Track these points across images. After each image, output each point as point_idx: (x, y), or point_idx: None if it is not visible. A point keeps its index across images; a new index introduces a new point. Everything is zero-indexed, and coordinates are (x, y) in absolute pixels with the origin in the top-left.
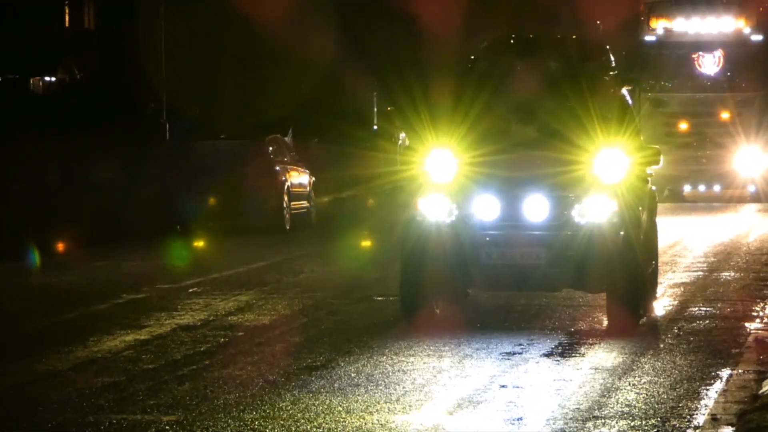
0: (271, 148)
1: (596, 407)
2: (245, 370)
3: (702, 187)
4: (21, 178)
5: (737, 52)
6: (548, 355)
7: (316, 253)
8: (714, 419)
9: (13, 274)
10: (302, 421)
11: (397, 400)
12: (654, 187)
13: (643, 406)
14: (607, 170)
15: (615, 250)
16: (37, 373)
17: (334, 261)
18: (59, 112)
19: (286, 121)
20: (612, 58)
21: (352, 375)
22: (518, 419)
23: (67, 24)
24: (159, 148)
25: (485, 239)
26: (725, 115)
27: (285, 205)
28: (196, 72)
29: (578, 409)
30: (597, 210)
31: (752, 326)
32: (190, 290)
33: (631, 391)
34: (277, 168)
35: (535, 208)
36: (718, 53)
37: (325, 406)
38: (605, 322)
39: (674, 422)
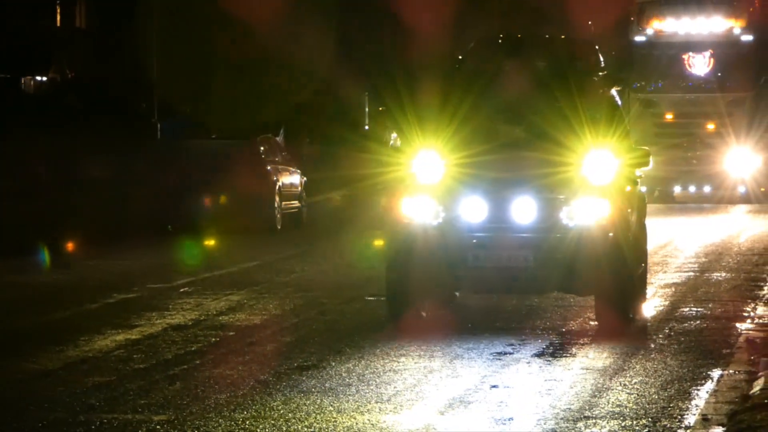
0: (262, 148)
1: (587, 407)
2: (236, 369)
3: (692, 188)
4: (12, 177)
5: (728, 52)
6: (539, 355)
7: (308, 253)
8: (705, 419)
9: (6, 272)
10: (293, 420)
11: (389, 399)
12: (644, 188)
13: (633, 407)
14: (595, 171)
15: (604, 253)
16: (28, 373)
17: (325, 261)
18: (51, 111)
19: (278, 121)
20: (601, 58)
21: (343, 375)
22: (509, 419)
23: (58, 23)
24: (151, 148)
25: (472, 241)
26: (716, 116)
27: (276, 204)
28: (188, 71)
29: (569, 409)
30: (586, 212)
31: (743, 326)
32: (182, 290)
33: (622, 391)
34: (269, 168)
35: (523, 210)
36: (709, 54)
37: (316, 406)
38: (596, 323)
39: (665, 422)
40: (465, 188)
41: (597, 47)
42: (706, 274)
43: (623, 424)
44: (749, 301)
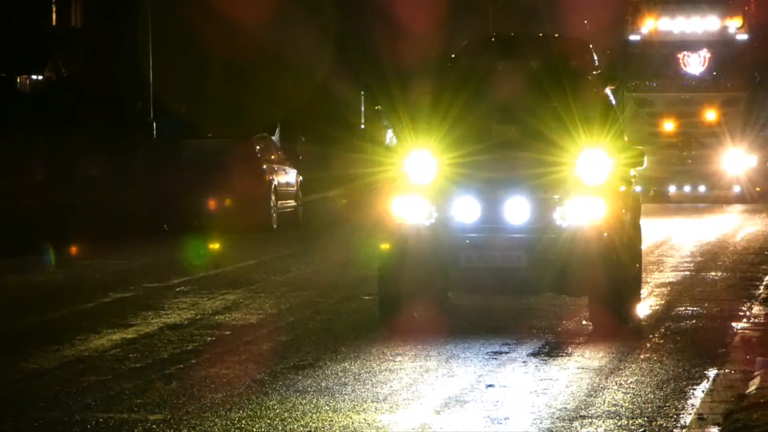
0: (258, 147)
1: (583, 407)
2: (232, 369)
3: (687, 188)
4: (8, 176)
5: (723, 51)
6: (535, 354)
7: (304, 252)
8: (701, 419)
9: (3, 271)
10: (289, 420)
11: (384, 399)
12: (639, 188)
13: (629, 406)
14: (589, 171)
15: (597, 253)
16: (24, 372)
17: (321, 260)
18: (47, 110)
19: (273, 120)
20: (595, 57)
21: (339, 374)
22: (505, 418)
23: (54, 22)
24: (146, 147)
25: (465, 242)
26: (711, 115)
27: (272, 204)
28: (183, 71)
29: (565, 408)
30: (579, 212)
31: (739, 326)
32: (178, 289)
33: (618, 390)
34: (265, 167)
35: (516, 210)
36: (704, 53)
37: (312, 405)
38: (591, 323)
39: (661, 422)
40: (458, 188)
41: (591, 46)
42: (702, 274)
43: (619, 424)
44: (745, 300)
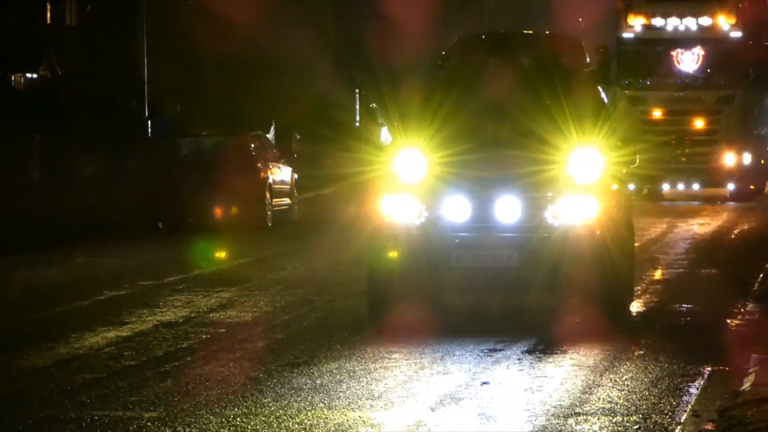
0: (253, 145)
1: (578, 404)
2: (227, 366)
3: (681, 186)
4: (3, 175)
5: (716, 49)
6: (529, 352)
7: (299, 250)
8: (696, 416)
9: None
10: (284, 417)
11: (379, 396)
12: (633, 186)
13: (624, 403)
14: (581, 170)
15: (590, 252)
16: (19, 370)
17: (316, 258)
18: (42, 108)
19: (268, 118)
20: (587, 55)
21: (334, 372)
22: (500, 416)
23: (48, 20)
24: (140, 145)
25: (455, 241)
26: (704, 113)
27: (267, 201)
28: (178, 69)
29: (560, 405)
30: (571, 211)
31: (733, 323)
32: (172, 287)
33: (613, 387)
34: (259, 165)
35: (508, 209)
36: (698, 50)
37: (307, 403)
38: (585, 322)
39: (656, 419)
40: (448, 187)
41: (582, 43)
42: (696, 271)
43: (614, 421)
44: (739, 297)
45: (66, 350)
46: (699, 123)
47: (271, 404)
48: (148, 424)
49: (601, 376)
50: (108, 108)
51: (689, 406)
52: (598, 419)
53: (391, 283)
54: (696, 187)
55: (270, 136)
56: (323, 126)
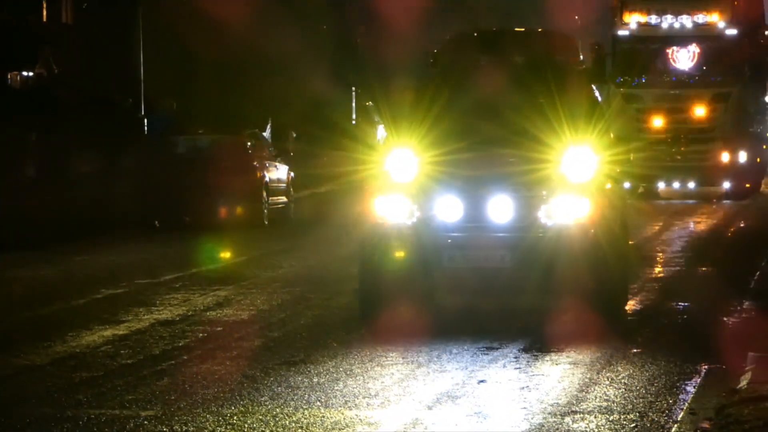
0: (249, 143)
1: (575, 402)
2: (224, 365)
3: (677, 184)
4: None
5: (712, 46)
6: (526, 350)
7: (295, 248)
8: (692, 413)
9: None
10: (281, 416)
11: (376, 394)
12: (628, 185)
13: (621, 401)
14: (575, 169)
15: (583, 252)
16: (15, 368)
17: (312, 256)
18: (38, 106)
19: (264, 116)
20: (580, 52)
21: (331, 370)
22: (497, 414)
23: (44, 18)
24: (137, 143)
25: (447, 241)
26: (700, 111)
27: (263, 200)
28: (174, 67)
29: (557, 403)
30: (565, 210)
31: (730, 320)
32: (169, 285)
33: (610, 385)
34: (255, 163)
35: (500, 209)
36: (693, 48)
37: (304, 401)
38: (583, 319)
39: (653, 417)
40: (440, 187)
41: (576, 40)
42: (693, 269)
43: (611, 419)
44: (736, 295)
45: (63, 348)
46: (694, 121)
47: (267, 402)
48: (145, 422)
49: (598, 374)
50: (104, 106)
51: (686, 404)
52: (595, 417)
53: (382, 284)
54: (691, 185)
55: (266, 134)
56: (319, 126)
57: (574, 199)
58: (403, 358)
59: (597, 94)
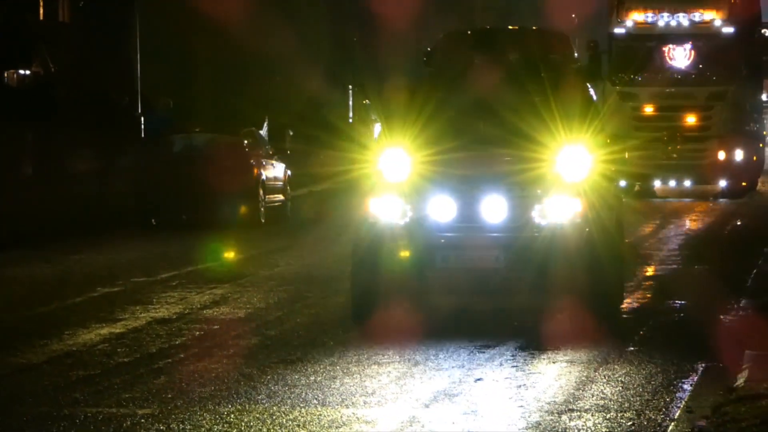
0: (246, 141)
1: (571, 400)
2: (221, 363)
3: (673, 183)
4: None
5: (708, 44)
6: (523, 349)
7: (292, 246)
8: (689, 412)
9: None
10: (278, 414)
11: (373, 393)
12: (624, 183)
13: (618, 399)
14: (569, 168)
15: (578, 252)
16: (12, 366)
17: (309, 254)
18: (34, 104)
19: (261, 115)
20: (575, 51)
21: (328, 368)
22: (494, 412)
23: (41, 16)
24: (134, 141)
25: (440, 241)
26: (696, 109)
27: (260, 198)
28: (171, 66)
29: (554, 402)
30: (559, 210)
31: (727, 319)
32: (166, 283)
33: (607, 384)
34: (252, 161)
35: (494, 209)
36: (689, 46)
37: (301, 399)
38: (580, 319)
39: (650, 415)
40: (433, 186)
41: (569, 38)
42: (689, 268)
43: (608, 417)
44: (732, 293)
45: (59, 347)
46: (691, 119)
47: (264, 401)
48: (142, 420)
49: (595, 372)
50: (101, 104)
51: (683, 403)
52: (592, 416)
53: (375, 285)
54: (688, 183)
55: (263, 132)
56: (316, 126)
57: (569, 198)
58: (399, 356)
59: (592, 92)
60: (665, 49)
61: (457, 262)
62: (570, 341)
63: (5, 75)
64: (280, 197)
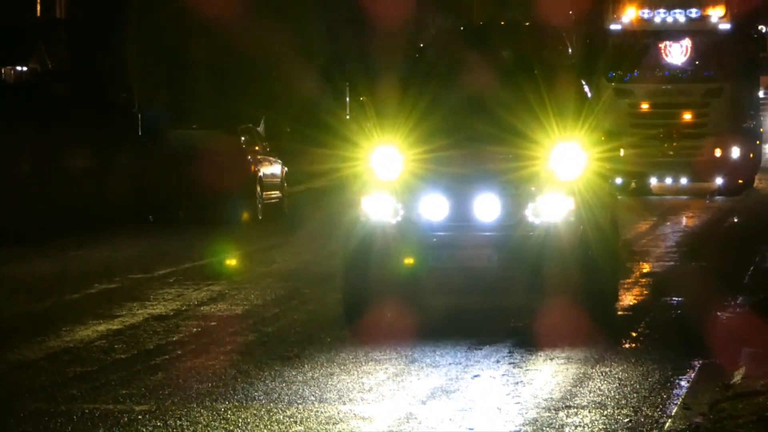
0: (243, 138)
1: (568, 397)
2: (218, 360)
3: (669, 180)
4: None
5: (705, 41)
6: (520, 346)
7: (289, 243)
8: (686, 408)
9: None
10: (275, 410)
11: (370, 389)
12: (620, 181)
13: (615, 396)
14: (563, 166)
15: (572, 251)
16: (10, 363)
17: (306, 250)
18: (32, 101)
19: (258, 111)
20: (569, 47)
21: (325, 365)
22: (491, 408)
23: (38, 13)
24: (131, 138)
25: (433, 240)
26: (693, 106)
27: (257, 195)
28: (168, 62)
29: (551, 398)
30: (553, 208)
31: (724, 316)
32: (163, 280)
33: (604, 381)
34: (249, 158)
35: (487, 207)
36: (686, 42)
37: (298, 396)
38: (576, 316)
39: (647, 411)
40: (425, 185)
41: (564, 34)
42: (686, 264)
43: (605, 413)
44: (730, 290)
45: (57, 343)
46: (687, 116)
47: (261, 397)
48: (139, 417)
49: (592, 369)
50: (98, 101)
51: (680, 399)
52: (589, 412)
53: (366, 285)
54: (684, 181)
55: (260, 129)
56: (312, 124)
57: (563, 196)
58: (396, 353)
59: (586, 89)
60: (662, 45)
61: (450, 261)
62: (567, 339)
63: (2, 72)
64: (278, 194)
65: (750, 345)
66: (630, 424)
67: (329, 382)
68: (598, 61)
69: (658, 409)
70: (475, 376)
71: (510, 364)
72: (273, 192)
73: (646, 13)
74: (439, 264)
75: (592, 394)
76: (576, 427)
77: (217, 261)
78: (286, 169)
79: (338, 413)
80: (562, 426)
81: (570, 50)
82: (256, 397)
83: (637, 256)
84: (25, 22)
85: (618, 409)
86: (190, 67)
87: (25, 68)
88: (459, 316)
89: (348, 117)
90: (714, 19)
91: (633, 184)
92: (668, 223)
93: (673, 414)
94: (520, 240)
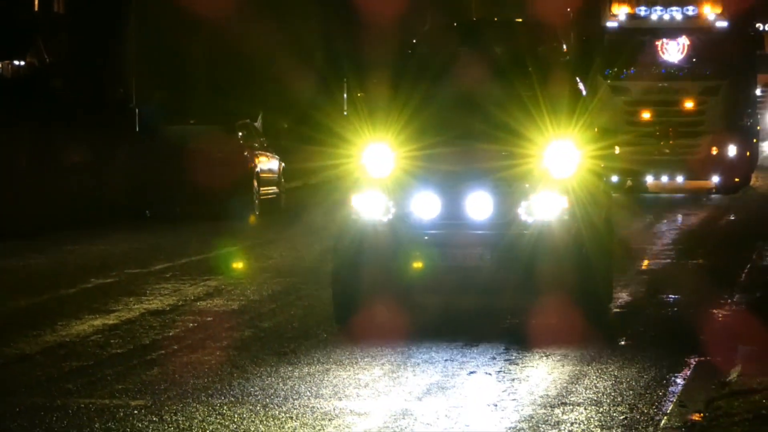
0: (240, 134)
1: (564, 394)
2: (214, 355)
3: (665, 178)
4: None
5: (702, 39)
6: (516, 343)
7: (286, 238)
8: (682, 406)
9: None
10: (271, 406)
11: (366, 385)
12: (616, 178)
13: (611, 393)
14: (557, 164)
15: (566, 250)
16: (5, 357)
17: (303, 246)
18: (29, 96)
19: (255, 109)
20: (563, 44)
21: (322, 360)
22: (487, 405)
23: (36, 7)
24: (129, 133)
25: (425, 239)
26: (689, 104)
27: (254, 190)
28: (166, 58)
29: (546, 395)
30: (546, 207)
31: (720, 314)
32: (159, 275)
33: (600, 378)
34: (246, 153)
35: (479, 205)
36: (683, 40)
37: (294, 392)
38: (572, 314)
39: (642, 409)
40: (417, 182)
41: (558, 31)
42: (683, 262)
43: (600, 411)
44: (726, 288)
45: (53, 338)
46: (683, 114)
47: (257, 393)
48: (135, 412)
49: (588, 366)
50: (95, 96)
51: (675, 397)
52: (585, 409)
53: (357, 284)
54: (680, 179)
55: (257, 124)
56: (308, 124)
57: (556, 195)
58: (392, 349)
59: (581, 86)
60: (658, 43)
61: (442, 259)
62: (563, 336)
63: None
64: (275, 189)
65: (746, 343)
66: (626, 422)
67: (325, 378)
68: (594, 58)
69: (654, 407)
70: (471, 372)
71: (506, 361)
72: (270, 188)
73: (642, 10)
74: (431, 262)
75: (588, 391)
76: (572, 424)
77: (213, 256)
78: (283, 164)
79: (334, 409)
80: (558, 423)
81: (565, 47)
82: (252, 393)
83: (634, 254)
84: (23, 16)
85: (614, 406)
86: (188, 63)
87: (22, 63)
88: (454, 314)
89: (345, 113)
90: (711, 17)
91: (629, 182)
92: (664, 221)
93: (668, 411)
94: (514, 238)
